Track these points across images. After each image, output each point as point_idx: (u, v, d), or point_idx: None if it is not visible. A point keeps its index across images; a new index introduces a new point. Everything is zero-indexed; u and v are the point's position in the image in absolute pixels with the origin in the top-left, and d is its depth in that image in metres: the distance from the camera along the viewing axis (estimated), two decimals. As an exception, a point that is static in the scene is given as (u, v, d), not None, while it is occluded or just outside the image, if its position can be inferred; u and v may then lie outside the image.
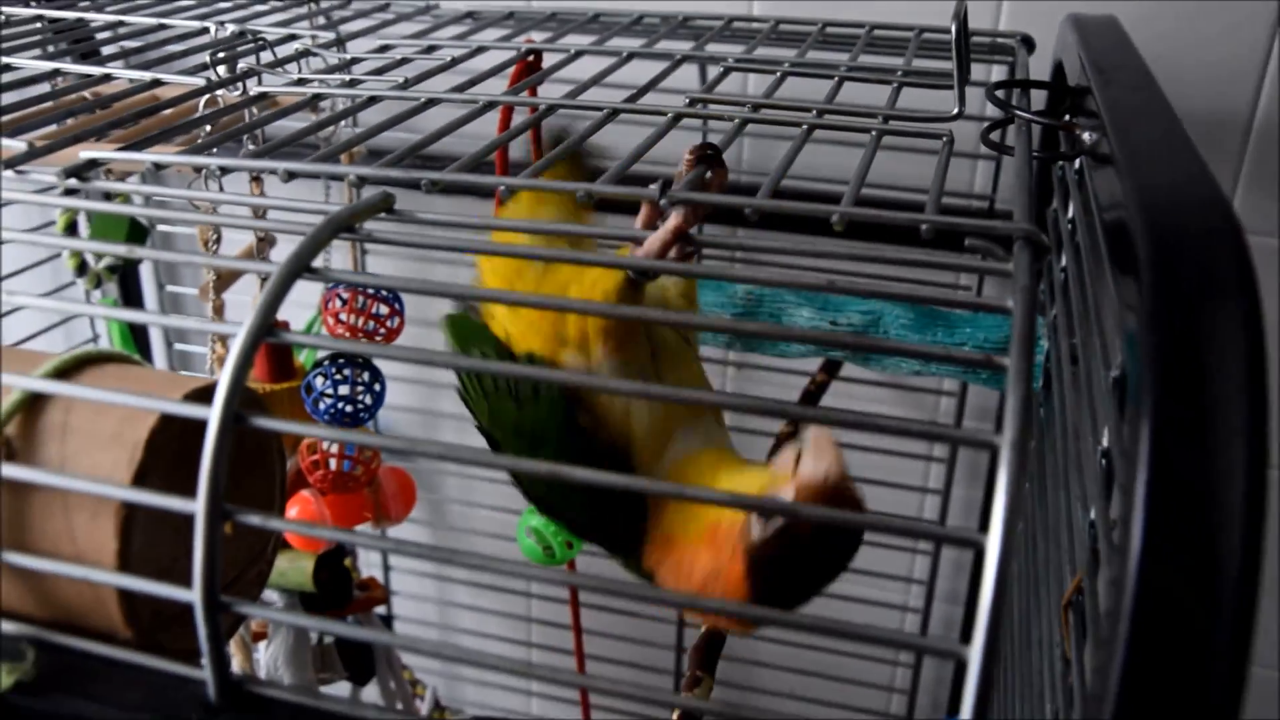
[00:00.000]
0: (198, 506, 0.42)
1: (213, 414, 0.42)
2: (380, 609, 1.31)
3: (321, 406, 0.86)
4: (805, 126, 0.63)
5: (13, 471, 0.47)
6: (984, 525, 0.37)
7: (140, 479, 0.47)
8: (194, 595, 0.43)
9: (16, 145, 0.60)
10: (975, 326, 0.86)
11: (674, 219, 0.54)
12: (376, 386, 0.88)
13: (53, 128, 0.69)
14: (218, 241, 0.94)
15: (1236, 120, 0.99)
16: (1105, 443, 0.55)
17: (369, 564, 1.46)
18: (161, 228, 1.29)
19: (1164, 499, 0.34)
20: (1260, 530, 0.34)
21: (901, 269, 0.79)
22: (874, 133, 0.62)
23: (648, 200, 0.54)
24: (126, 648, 0.47)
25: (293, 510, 0.98)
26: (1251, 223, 1.00)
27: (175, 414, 0.47)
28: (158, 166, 0.58)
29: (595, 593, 1.29)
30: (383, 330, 0.89)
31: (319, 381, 0.86)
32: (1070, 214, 0.79)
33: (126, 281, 1.32)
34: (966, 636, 0.37)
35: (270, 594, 1.02)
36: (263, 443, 0.56)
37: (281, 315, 0.45)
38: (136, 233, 1.14)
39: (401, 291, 0.47)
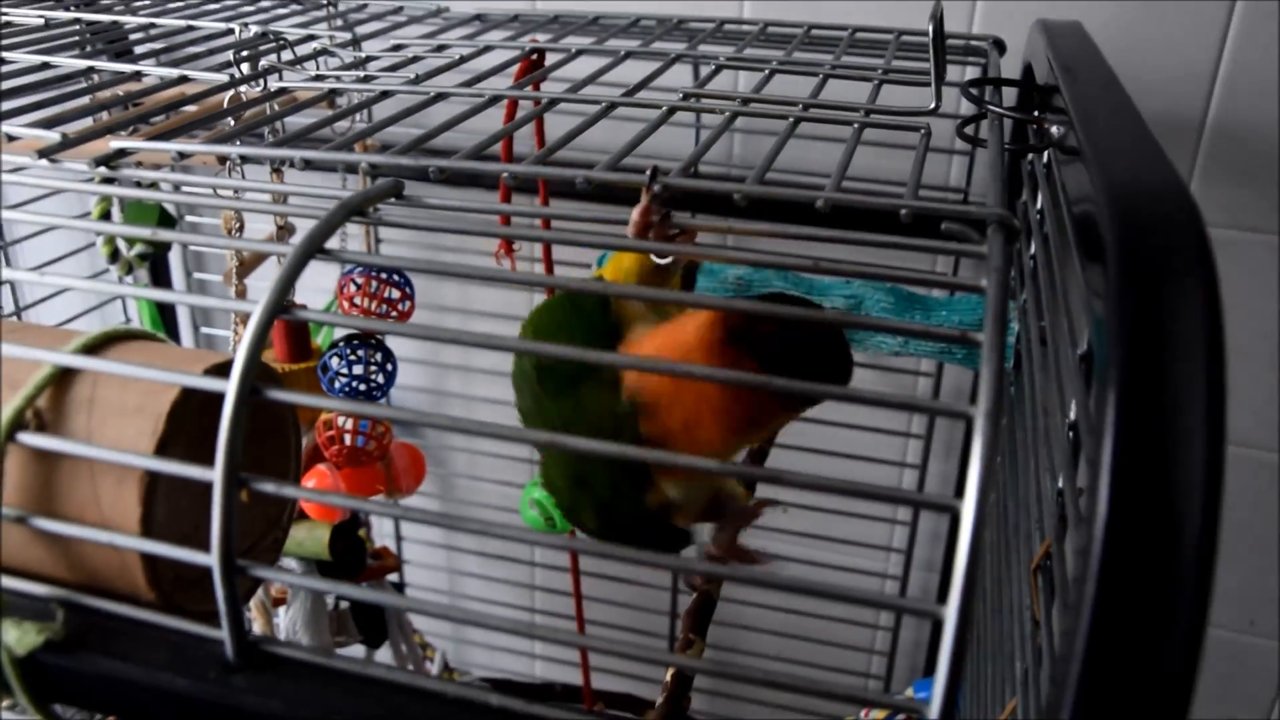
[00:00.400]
0: (215, 474, 0.42)
1: (230, 386, 0.42)
2: (393, 576, 1.31)
3: (337, 385, 0.86)
4: (791, 120, 0.62)
5: (43, 442, 0.46)
6: (959, 494, 0.37)
7: (162, 449, 0.47)
8: (212, 559, 0.43)
9: (51, 136, 0.59)
10: (951, 310, 0.86)
11: (642, 198, 0.53)
12: (389, 366, 0.88)
13: (88, 121, 0.69)
14: (240, 229, 0.93)
15: (1191, 120, 0.99)
16: (1072, 416, 0.54)
17: (382, 534, 1.46)
18: (189, 218, 1.29)
19: (1128, 469, 0.34)
20: (1218, 497, 0.33)
21: (882, 253, 0.79)
22: (856, 125, 0.61)
23: (638, 185, 0.53)
24: (149, 610, 0.47)
25: (309, 483, 0.98)
26: (1206, 215, 1.00)
27: (195, 387, 0.46)
28: (182, 155, 0.57)
29: (593, 557, 1.30)
30: (394, 313, 0.88)
31: (334, 361, 0.86)
32: (1039, 205, 0.78)
33: (156, 269, 1.32)
34: (943, 599, 0.37)
35: (289, 562, 1.02)
36: (279, 417, 0.56)
37: (300, 300, 0.45)
38: (165, 222, 1.13)
39: (410, 271, 0.47)
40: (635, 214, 0.53)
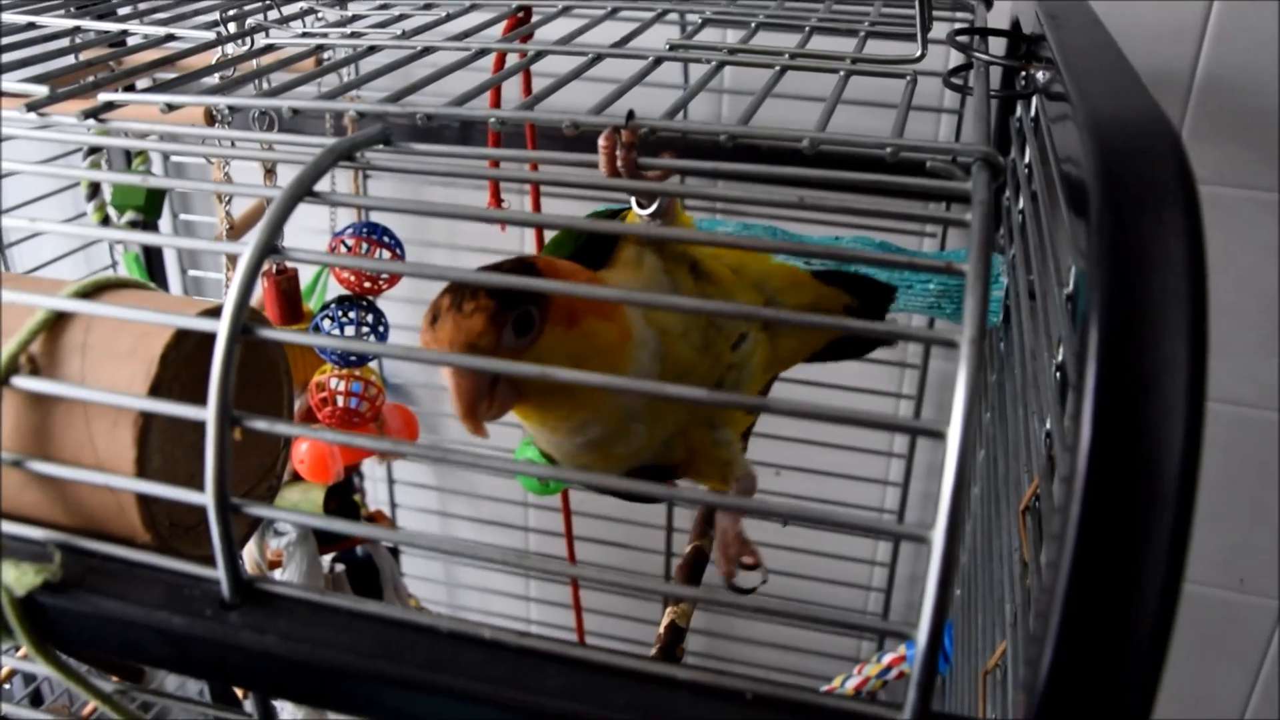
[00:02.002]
0: (209, 411, 0.42)
1: (221, 324, 0.42)
2: (387, 541, 1.32)
3: (328, 348, 0.86)
4: (778, 68, 0.63)
5: (38, 385, 0.47)
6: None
7: (155, 392, 0.47)
8: (207, 498, 0.43)
9: (39, 90, 0.59)
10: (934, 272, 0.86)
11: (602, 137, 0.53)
12: (380, 328, 0.88)
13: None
14: (229, 199, 0.94)
15: (1180, 74, 0.99)
16: (1060, 357, 0.55)
17: (377, 501, 1.47)
18: (175, 159, 1.29)
19: (1111, 393, 0.34)
20: (1200, 418, 0.34)
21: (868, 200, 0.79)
22: (842, 74, 0.62)
23: (614, 126, 0.53)
24: (145, 552, 0.47)
25: (303, 445, 0.98)
26: (1195, 172, 1.00)
27: (188, 328, 0.46)
28: (170, 107, 0.58)
29: (588, 519, 1.31)
30: (384, 275, 0.88)
31: (325, 324, 0.86)
32: (1027, 160, 0.79)
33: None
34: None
35: (283, 526, 1.02)
36: (271, 366, 0.56)
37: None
38: (152, 202, 1.13)
39: (398, 211, 0.47)
40: (601, 140, 0.53)
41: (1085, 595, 0.34)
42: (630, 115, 0.53)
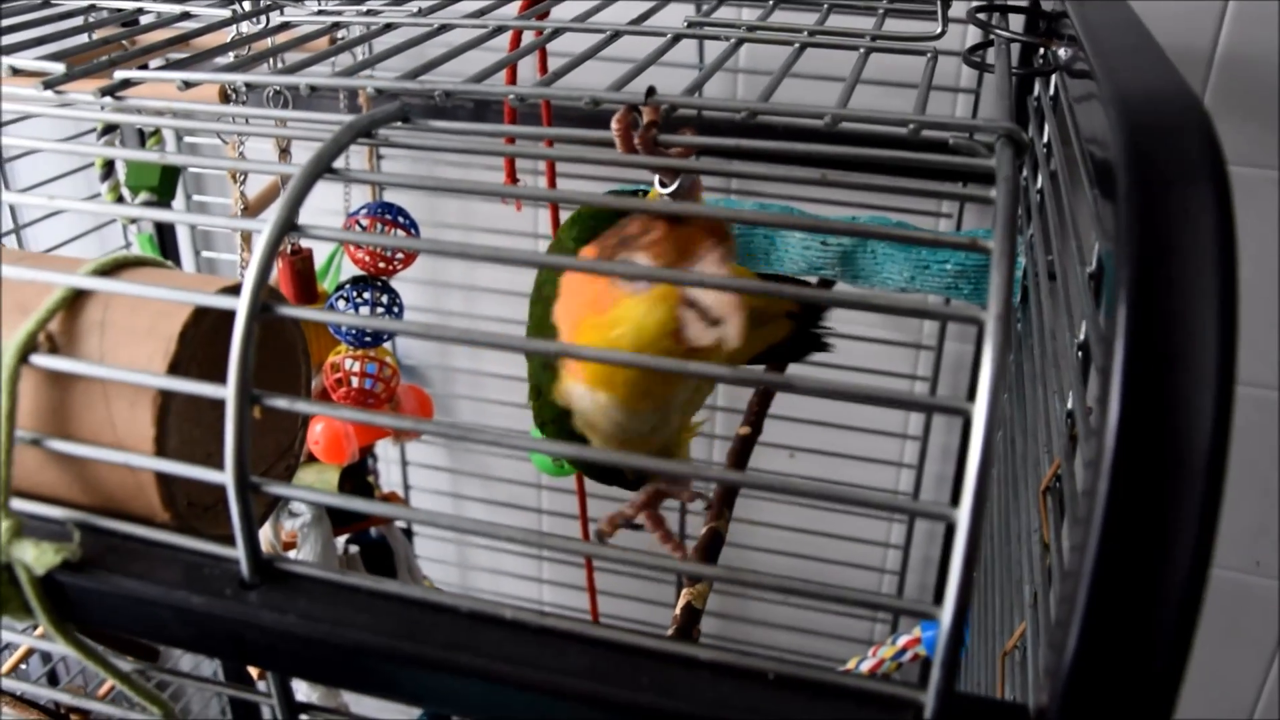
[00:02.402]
0: (229, 390, 0.42)
1: (241, 302, 0.42)
2: (400, 523, 1.32)
3: (344, 328, 0.86)
4: (797, 46, 0.62)
5: (56, 363, 0.47)
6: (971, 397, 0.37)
7: (174, 370, 0.47)
8: (226, 476, 0.43)
9: (56, 67, 0.59)
10: (955, 250, 0.86)
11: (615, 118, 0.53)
12: (395, 309, 0.88)
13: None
14: (244, 179, 0.93)
15: (1200, 54, 0.98)
16: (1082, 336, 0.55)
17: (390, 483, 1.47)
18: (189, 139, 1.29)
19: (1139, 373, 0.34)
20: (1230, 398, 0.33)
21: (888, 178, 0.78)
22: (861, 51, 0.61)
23: (630, 104, 0.53)
24: (164, 531, 0.47)
25: (318, 426, 0.98)
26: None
27: (207, 305, 0.46)
28: (187, 84, 0.57)
29: (603, 500, 1.31)
30: (400, 255, 0.88)
31: (341, 304, 0.86)
32: (1045, 139, 0.78)
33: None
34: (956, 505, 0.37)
35: (298, 506, 1.02)
36: (289, 346, 0.56)
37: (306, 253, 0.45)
38: (167, 179, 1.13)
39: (414, 189, 0.47)
40: (614, 121, 0.52)
41: (1111, 579, 0.34)
42: (651, 91, 0.53)
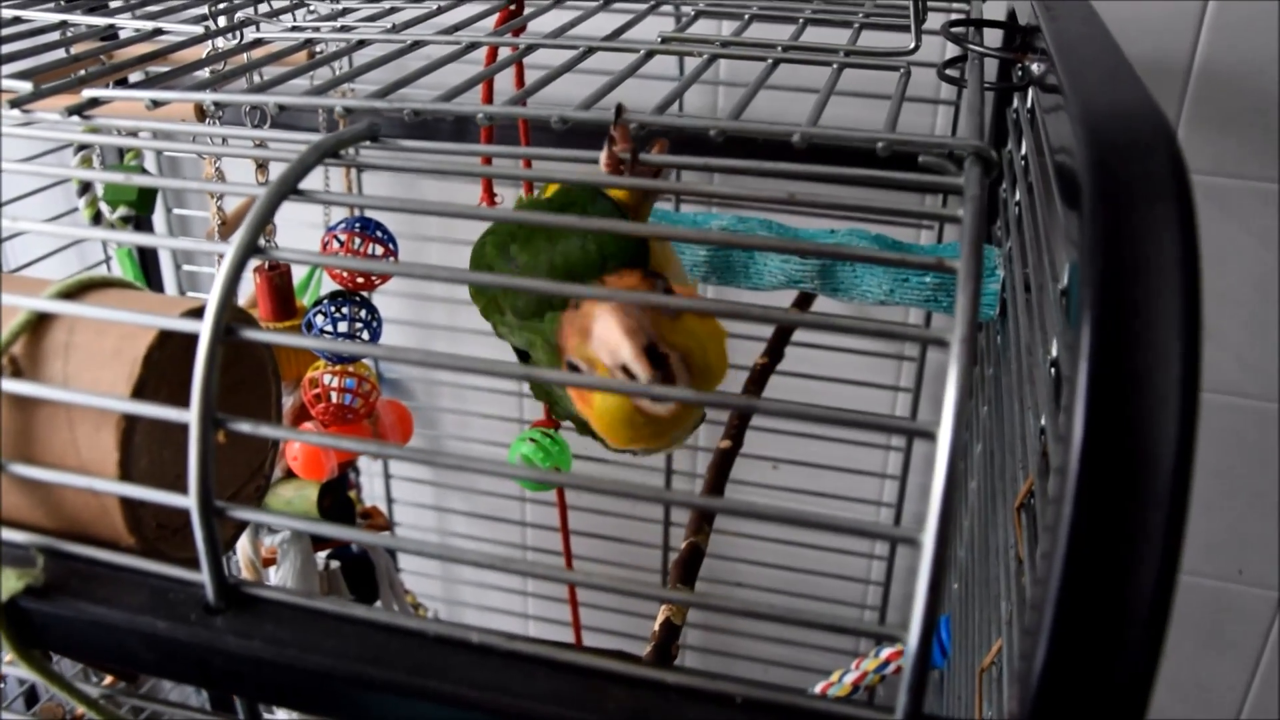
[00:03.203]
0: (191, 414, 0.41)
1: (204, 326, 0.41)
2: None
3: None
4: (771, 61, 0.62)
5: (19, 387, 0.46)
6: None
7: (139, 393, 0.46)
8: (190, 501, 0.43)
9: (23, 86, 0.59)
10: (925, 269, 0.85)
11: (612, 134, 0.54)
12: (374, 324, 0.88)
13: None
14: (221, 197, 0.93)
15: (1178, 64, 0.98)
16: (1054, 353, 0.54)
17: (373, 496, 1.46)
18: (168, 154, 1.28)
19: (1103, 385, 0.34)
20: (1194, 410, 0.33)
21: (861, 194, 0.78)
22: (835, 66, 0.61)
23: (607, 123, 0.53)
24: (130, 556, 0.47)
25: (295, 443, 0.97)
26: (1193, 162, 1.00)
27: (170, 329, 0.46)
28: (156, 103, 0.57)
29: (584, 514, 1.31)
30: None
31: (319, 319, 0.86)
32: (1023, 152, 0.78)
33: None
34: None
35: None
36: (259, 366, 0.55)
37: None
38: (144, 199, 1.12)
39: (386, 209, 0.46)
40: (604, 155, 0.53)
41: (1079, 588, 0.34)
42: (619, 110, 0.52)
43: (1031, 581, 0.53)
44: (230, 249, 0.42)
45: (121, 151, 1.21)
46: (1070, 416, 0.34)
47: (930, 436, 0.37)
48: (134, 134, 0.99)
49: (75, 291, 0.49)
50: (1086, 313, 0.35)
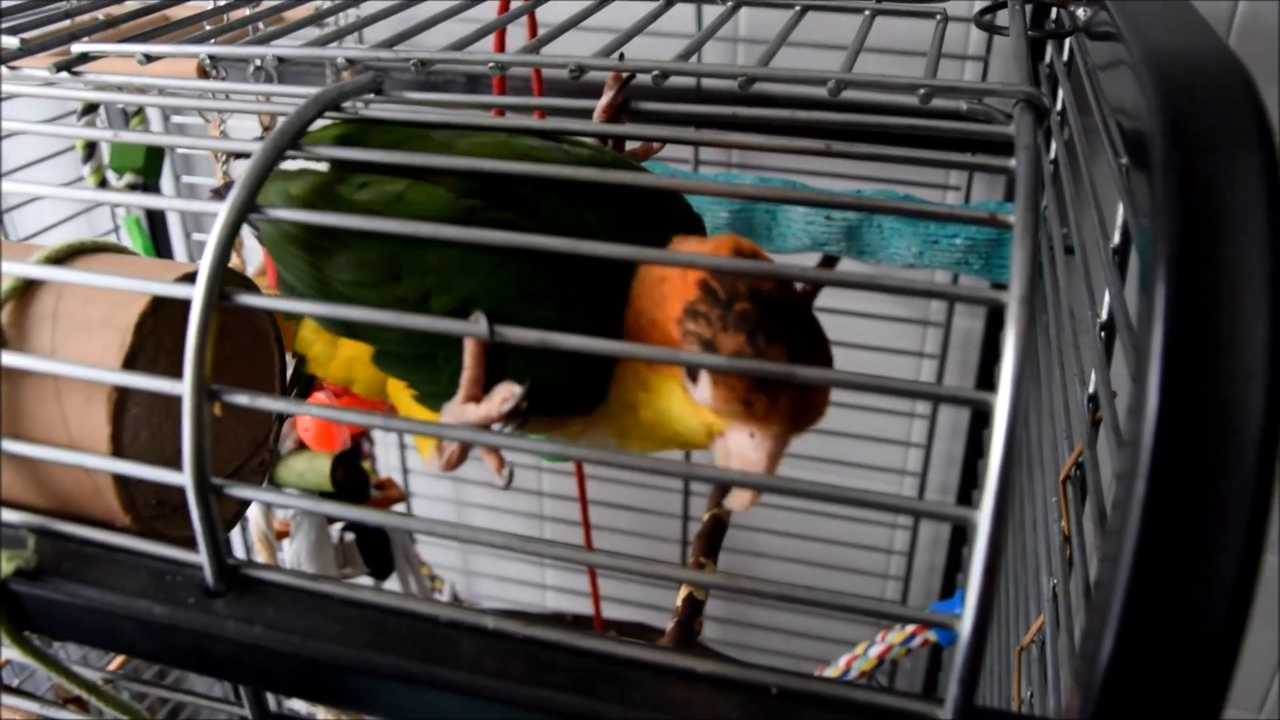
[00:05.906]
0: (184, 386, 0.38)
1: (196, 291, 0.38)
2: (399, 508, 1.28)
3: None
4: (799, 8, 0.58)
5: (3, 358, 0.43)
6: (981, 388, 0.33)
7: (131, 363, 0.43)
8: (184, 478, 0.40)
9: (11, 42, 0.56)
10: (963, 225, 0.82)
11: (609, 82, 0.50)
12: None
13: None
14: (226, 159, 0.90)
15: (1218, 19, 0.94)
16: (1105, 315, 0.51)
17: (388, 467, 1.43)
18: (176, 118, 1.25)
19: (1181, 354, 0.30)
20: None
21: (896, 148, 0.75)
22: (867, 13, 0.57)
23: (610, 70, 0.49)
24: (126, 535, 0.44)
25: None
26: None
27: (162, 295, 0.43)
28: (149, 58, 0.54)
29: (603, 484, 1.28)
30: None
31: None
32: (1059, 105, 0.74)
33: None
34: (964, 497, 0.33)
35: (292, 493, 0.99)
36: (260, 334, 0.52)
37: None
38: (152, 160, 1.09)
39: (390, 164, 0.43)
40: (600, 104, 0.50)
41: (1151, 581, 0.30)
42: (621, 58, 0.49)
43: (1081, 562, 0.50)
44: (224, 207, 0.39)
45: (127, 118, 1.17)
46: (1143, 386, 0.31)
47: (985, 405, 0.33)
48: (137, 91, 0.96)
49: (63, 257, 0.46)
50: (1160, 271, 0.31)
